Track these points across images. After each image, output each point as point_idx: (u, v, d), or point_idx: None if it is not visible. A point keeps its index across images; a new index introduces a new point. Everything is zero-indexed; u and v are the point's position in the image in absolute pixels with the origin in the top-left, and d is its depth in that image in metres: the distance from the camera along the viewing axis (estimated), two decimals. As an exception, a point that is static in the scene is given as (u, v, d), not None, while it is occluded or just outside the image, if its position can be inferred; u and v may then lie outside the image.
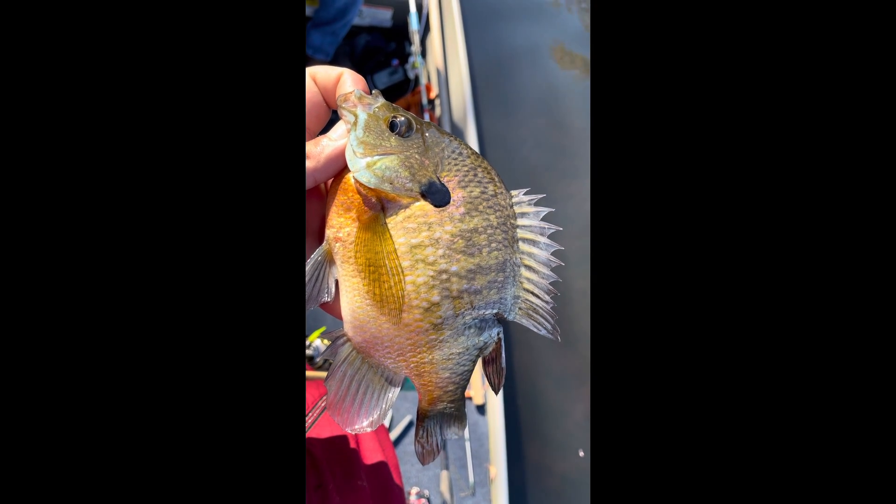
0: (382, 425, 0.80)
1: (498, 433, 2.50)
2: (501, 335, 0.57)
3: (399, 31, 3.73)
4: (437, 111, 3.41)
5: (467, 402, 2.66)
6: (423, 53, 3.64)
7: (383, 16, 3.68)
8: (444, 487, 2.30)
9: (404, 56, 3.67)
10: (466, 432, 2.48)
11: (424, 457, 0.60)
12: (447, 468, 2.37)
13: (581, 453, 3.08)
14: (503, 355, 0.57)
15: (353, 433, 0.62)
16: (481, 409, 2.69)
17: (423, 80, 3.39)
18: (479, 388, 2.68)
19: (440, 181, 0.54)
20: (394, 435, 2.52)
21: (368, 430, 0.57)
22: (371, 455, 0.88)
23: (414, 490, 2.07)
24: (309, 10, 3.26)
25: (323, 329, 1.90)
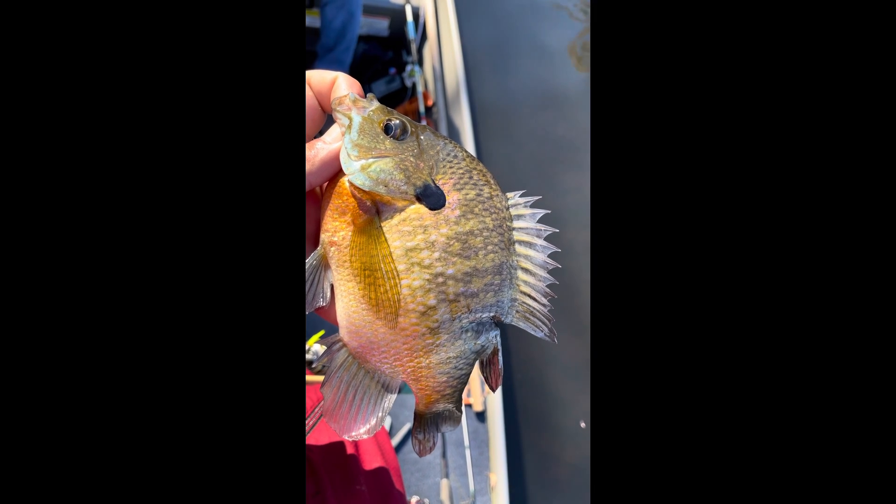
0: (383, 428, 0.79)
1: (498, 441, 2.49)
2: (499, 338, 0.57)
3: (396, 40, 3.75)
4: (435, 119, 3.42)
5: (467, 409, 2.65)
6: (420, 62, 3.65)
7: (380, 25, 3.70)
8: (445, 496, 2.29)
9: (402, 65, 3.68)
10: (466, 440, 2.46)
11: (422, 452, 0.60)
12: (447, 477, 2.35)
13: (582, 424, 3.07)
14: (500, 358, 0.57)
15: (351, 440, 0.62)
16: (481, 416, 2.67)
17: (421, 89, 3.41)
18: (478, 395, 2.67)
19: (435, 184, 0.54)
20: (393, 443, 2.50)
21: (366, 436, 0.56)
22: (370, 460, 0.88)
23: (414, 499, 2.06)
24: (311, 44, 3.30)
25: (321, 333, 1.88)
